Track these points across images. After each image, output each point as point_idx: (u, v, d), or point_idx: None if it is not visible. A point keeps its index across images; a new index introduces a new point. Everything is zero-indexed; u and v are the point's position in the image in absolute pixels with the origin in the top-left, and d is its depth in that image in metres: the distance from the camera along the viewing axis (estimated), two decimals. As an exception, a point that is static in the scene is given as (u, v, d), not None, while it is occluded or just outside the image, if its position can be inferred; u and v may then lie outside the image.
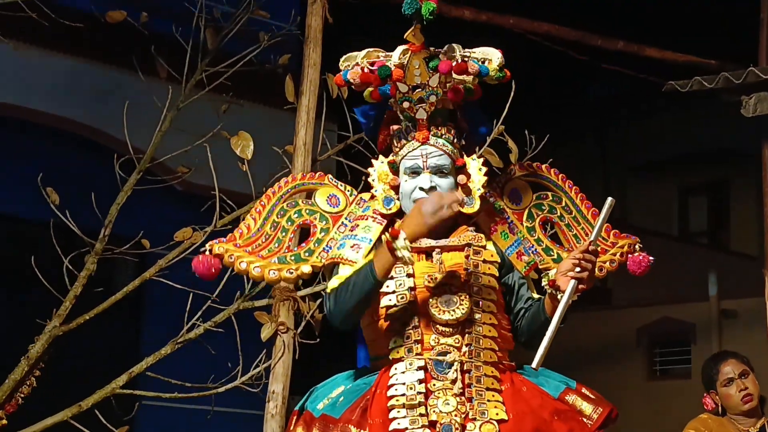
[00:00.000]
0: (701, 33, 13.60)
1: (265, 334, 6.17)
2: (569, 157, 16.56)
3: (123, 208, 7.13)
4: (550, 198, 4.03)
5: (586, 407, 3.73)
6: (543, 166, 4.09)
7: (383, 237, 3.61)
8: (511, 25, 7.36)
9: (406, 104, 3.75)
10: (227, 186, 6.74)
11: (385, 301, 3.68)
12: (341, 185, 3.95)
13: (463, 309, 3.64)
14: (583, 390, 3.78)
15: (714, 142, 16.65)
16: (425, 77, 3.73)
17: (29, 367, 6.76)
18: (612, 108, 18.08)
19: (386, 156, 3.88)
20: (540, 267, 3.88)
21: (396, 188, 3.78)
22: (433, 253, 3.72)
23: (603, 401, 3.77)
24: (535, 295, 3.83)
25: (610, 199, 3.67)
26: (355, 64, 3.78)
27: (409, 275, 3.68)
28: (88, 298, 7.11)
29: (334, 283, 3.70)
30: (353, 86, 3.81)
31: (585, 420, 3.69)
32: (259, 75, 7.90)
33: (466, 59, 3.74)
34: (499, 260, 3.79)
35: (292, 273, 3.78)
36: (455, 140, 3.80)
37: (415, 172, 3.74)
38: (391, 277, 3.67)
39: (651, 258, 3.98)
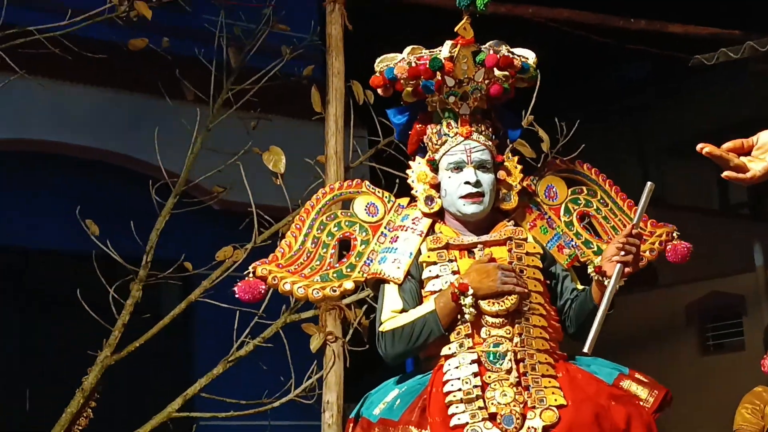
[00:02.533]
0: (723, 3, 13.51)
1: (314, 345, 6.19)
2: (602, 142, 16.55)
3: (163, 233, 7.17)
4: (585, 192, 4.05)
5: (642, 392, 3.73)
6: (576, 162, 4.11)
7: (451, 288, 3.61)
8: (530, 14, 7.34)
9: (451, 99, 3.76)
10: (263, 201, 6.76)
11: None
12: (379, 192, 3.95)
13: (512, 299, 3.65)
14: (637, 375, 3.78)
15: (747, 113, 16.51)
16: (471, 71, 3.75)
17: (84, 399, 6.80)
18: (641, 88, 17.98)
19: (416, 158, 3.90)
20: (581, 259, 3.90)
21: (436, 186, 3.79)
22: (476, 250, 3.74)
23: (657, 385, 3.77)
24: (580, 286, 3.85)
25: (649, 183, 3.67)
26: (401, 59, 3.79)
27: (454, 272, 3.69)
28: (137, 325, 7.16)
29: (388, 324, 3.69)
30: (397, 83, 3.79)
31: (642, 404, 3.68)
32: (284, 88, 7.93)
33: (510, 54, 3.77)
34: (541, 251, 3.81)
35: (335, 291, 3.80)
36: (493, 137, 3.83)
37: (458, 167, 3.74)
38: (437, 276, 3.69)
39: (689, 245, 3.98)
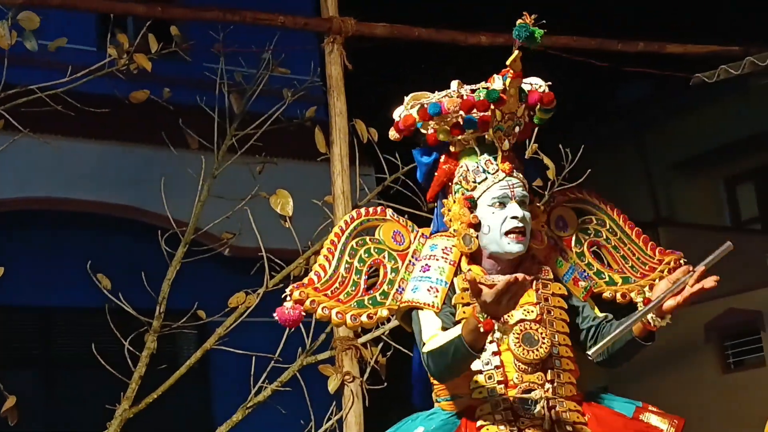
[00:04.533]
0: (720, 21, 13.54)
1: (332, 386, 6.17)
2: (609, 164, 16.53)
3: (175, 282, 7.16)
4: (594, 222, 4.03)
5: (662, 423, 3.73)
6: (583, 191, 4.10)
7: (478, 323, 3.47)
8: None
9: (498, 134, 3.73)
10: (273, 245, 6.76)
11: None
12: (402, 220, 3.90)
13: (546, 347, 3.63)
14: (650, 408, 3.77)
15: (752, 128, 16.52)
16: (515, 107, 3.73)
17: (106, 454, 6.79)
18: (644, 109, 17.98)
19: (432, 202, 3.87)
20: (594, 291, 3.89)
21: (474, 226, 3.73)
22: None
23: (673, 416, 3.77)
24: (600, 314, 3.83)
25: (728, 243, 3.66)
26: (446, 95, 3.75)
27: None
28: (155, 376, 7.14)
29: (430, 345, 3.61)
30: (445, 116, 3.71)
31: None
32: (288, 131, 7.95)
33: (549, 92, 3.77)
34: (566, 292, 3.78)
35: (372, 318, 3.75)
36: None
37: (502, 203, 3.70)
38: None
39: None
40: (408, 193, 6.71)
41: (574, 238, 3.97)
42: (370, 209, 3.93)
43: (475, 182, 3.74)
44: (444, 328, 3.64)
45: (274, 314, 3.69)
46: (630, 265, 3.99)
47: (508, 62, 3.64)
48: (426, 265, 3.76)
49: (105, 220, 10.72)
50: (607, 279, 3.94)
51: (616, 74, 8.65)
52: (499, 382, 3.61)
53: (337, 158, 6.48)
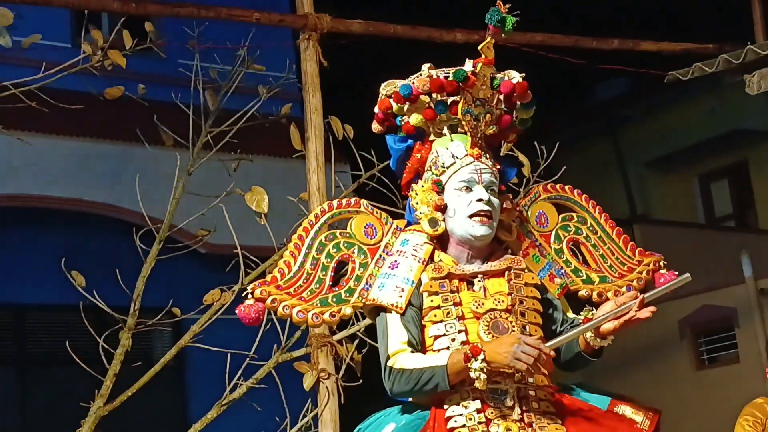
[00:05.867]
0: (694, 19, 13.59)
1: (307, 383, 6.17)
2: (584, 162, 16.58)
3: (149, 279, 7.15)
4: (575, 219, 4.02)
5: (637, 416, 3.72)
6: (566, 188, 4.08)
7: (463, 353, 3.50)
8: (503, 40, 7.33)
9: (467, 117, 3.72)
10: (248, 242, 6.76)
11: (438, 339, 3.64)
12: (377, 212, 3.87)
13: (517, 333, 3.60)
14: (625, 400, 3.77)
15: (726, 126, 16.60)
16: (487, 93, 3.73)
17: (80, 451, 6.77)
18: (619, 107, 18.04)
19: (406, 191, 3.85)
20: (571, 288, 3.88)
21: (441, 209, 3.72)
22: (476, 280, 3.70)
23: (649, 407, 3.76)
24: (571, 315, 3.82)
25: (687, 275, 3.70)
26: (417, 75, 3.76)
27: (455, 303, 3.64)
28: (129, 374, 7.13)
29: (399, 362, 3.60)
30: (413, 97, 3.73)
31: (639, 426, 3.68)
32: (263, 128, 7.94)
33: (522, 81, 3.78)
34: (539, 282, 3.78)
35: (334, 316, 3.72)
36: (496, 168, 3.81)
37: (468, 186, 3.70)
38: (438, 306, 3.64)
39: (677, 273, 3.95)
40: (383, 190, 6.71)
41: (553, 234, 3.96)
42: (344, 201, 3.88)
43: (443, 167, 3.74)
44: (409, 342, 3.62)
45: (237, 313, 3.66)
46: (608, 264, 3.98)
47: (480, 47, 3.68)
48: (395, 261, 3.74)
49: (79, 217, 10.67)
50: (584, 277, 3.92)
51: (591, 72, 8.68)
52: None
53: (313, 155, 6.48)
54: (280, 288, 3.69)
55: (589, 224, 4.02)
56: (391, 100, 3.79)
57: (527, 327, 3.66)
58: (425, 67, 3.80)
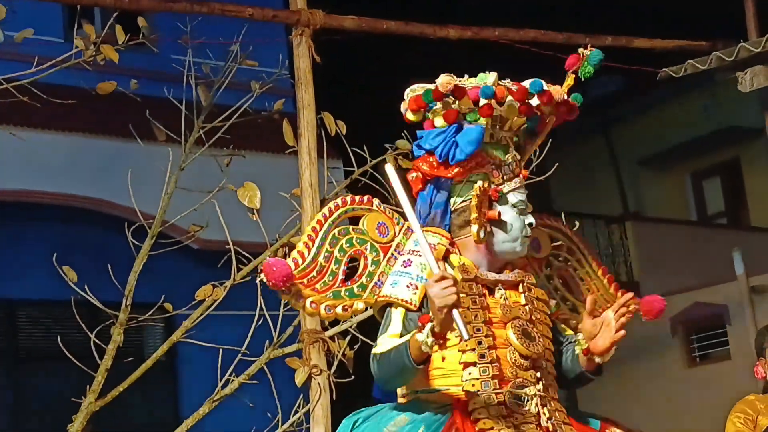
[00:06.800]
0: (687, 16, 13.60)
1: (299, 379, 6.16)
2: (577, 159, 16.58)
3: (141, 275, 7.13)
4: (565, 250, 4.07)
5: None
6: (559, 222, 4.13)
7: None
8: (496, 37, 7.35)
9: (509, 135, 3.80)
10: (241, 238, 6.74)
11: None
12: (388, 212, 3.84)
13: (542, 344, 3.65)
14: (613, 424, 3.81)
15: (718, 123, 16.64)
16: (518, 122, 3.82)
17: (71, 447, 6.76)
18: (613, 104, 18.06)
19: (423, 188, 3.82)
20: (560, 316, 3.91)
21: (493, 221, 3.70)
22: (496, 289, 3.70)
23: (637, 430, 3.81)
24: (569, 332, 3.87)
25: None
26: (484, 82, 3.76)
27: (483, 308, 3.63)
28: (121, 369, 7.12)
29: (379, 347, 3.61)
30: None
31: None
32: (256, 124, 7.92)
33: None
34: (547, 298, 3.80)
35: (347, 310, 3.69)
36: None
37: (522, 209, 3.74)
38: (467, 308, 3.59)
39: (661, 299, 3.97)
40: (376, 186, 6.70)
41: (545, 261, 4.00)
42: (357, 198, 3.85)
43: (503, 179, 3.75)
44: (400, 335, 3.59)
45: (263, 269, 3.56)
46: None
47: (564, 88, 3.82)
48: (408, 260, 3.72)
49: (71, 212, 10.66)
50: (570, 306, 3.98)
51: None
52: (493, 377, 3.58)
53: (305, 151, 6.47)
54: (294, 277, 3.63)
55: (577, 257, 4.07)
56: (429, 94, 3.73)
57: (542, 339, 3.68)
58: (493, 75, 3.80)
